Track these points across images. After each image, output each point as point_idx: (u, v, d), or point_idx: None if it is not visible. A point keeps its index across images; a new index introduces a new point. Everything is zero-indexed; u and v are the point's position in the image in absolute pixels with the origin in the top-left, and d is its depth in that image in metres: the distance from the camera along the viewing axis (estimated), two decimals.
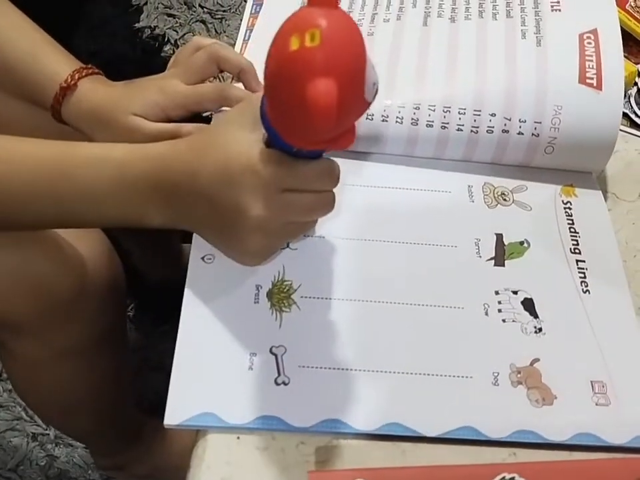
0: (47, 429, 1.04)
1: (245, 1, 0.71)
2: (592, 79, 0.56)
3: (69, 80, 0.56)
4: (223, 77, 0.66)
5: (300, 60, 0.34)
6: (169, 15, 1.52)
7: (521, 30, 0.61)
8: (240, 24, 0.69)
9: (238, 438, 0.44)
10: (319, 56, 0.34)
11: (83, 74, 0.57)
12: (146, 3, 1.53)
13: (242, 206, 0.43)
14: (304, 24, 0.35)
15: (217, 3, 1.54)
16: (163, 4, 1.54)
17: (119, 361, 0.78)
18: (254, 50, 0.64)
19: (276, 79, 0.37)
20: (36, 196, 0.47)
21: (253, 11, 0.70)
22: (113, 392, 0.79)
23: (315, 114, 0.34)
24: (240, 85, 0.58)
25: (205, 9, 1.53)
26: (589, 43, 0.59)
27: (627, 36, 0.69)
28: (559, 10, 0.62)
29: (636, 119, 0.66)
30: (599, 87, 0.56)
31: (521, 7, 0.63)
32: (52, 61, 0.57)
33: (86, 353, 0.69)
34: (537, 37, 0.60)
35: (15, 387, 0.78)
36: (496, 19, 0.62)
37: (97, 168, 0.46)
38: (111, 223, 0.50)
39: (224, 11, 1.52)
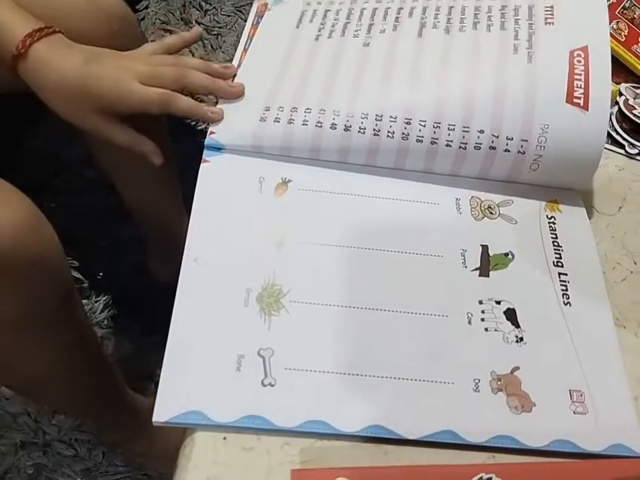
0: (35, 437, 1.05)
1: (242, 19, 0.73)
2: (579, 98, 0.57)
3: (20, 47, 0.57)
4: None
5: None
6: (166, 31, 1.55)
7: (514, 44, 0.61)
8: (236, 40, 0.72)
9: (224, 438, 0.45)
10: None
11: (35, 38, 0.58)
12: (143, 19, 1.56)
13: None
14: None
15: (214, 19, 1.56)
16: (160, 19, 1.56)
17: (76, 336, 0.75)
18: (251, 59, 0.67)
19: None
20: None
21: (254, 22, 0.72)
22: (83, 363, 0.78)
23: None
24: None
25: (202, 25, 1.56)
26: (579, 61, 0.59)
27: None
28: (552, 23, 0.62)
29: (616, 137, 0.68)
30: (585, 107, 0.57)
31: (515, 19, 0.64)
32: (6, 23, 0.58)
33: (32, 326, 0.66)
34: (528, 52, 0.60)
35: None
36: (489, 31, 0.63)
37: None
38: None
39: (220, 28, 1.54)
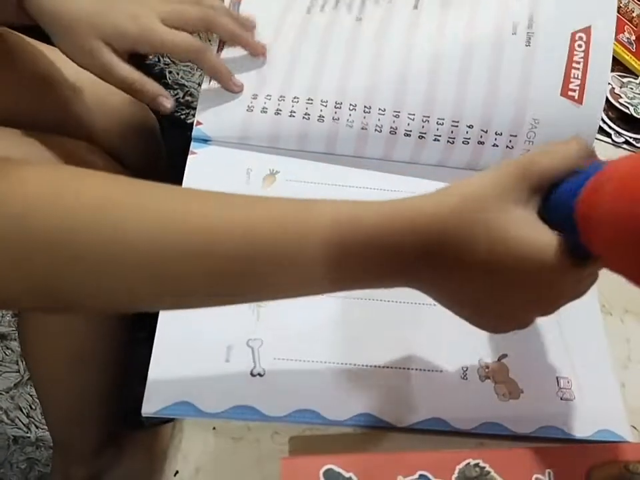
0: (27, 432, 1.05)
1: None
2: (574, 90, 0.57)
3: None
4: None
5: None
6: None
7: (513, 22, 0.58)
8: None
9: (214, 428, 0.45)
10: None
11: None
12: None
13: (527, 295, 0.38)
14: None
15: None
16: None
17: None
18: (231, 49, 0.64)
19: None
20: (229, 274, 0.37)
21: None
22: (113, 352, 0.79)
23: None
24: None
25: None
26: (580, 46, 0.57)
27: None
28: None
29: (603, 125, 0.68)
30: (579, 100, 0.57)
31: None
32: None
33: None
34: (527, 33, 0.57)
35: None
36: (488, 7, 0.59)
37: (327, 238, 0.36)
38: (329, 291, 0.40)
39: None
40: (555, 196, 0.36)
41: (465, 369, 0.49)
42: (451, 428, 0.46)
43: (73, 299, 0.36)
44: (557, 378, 0.49)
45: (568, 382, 0.49)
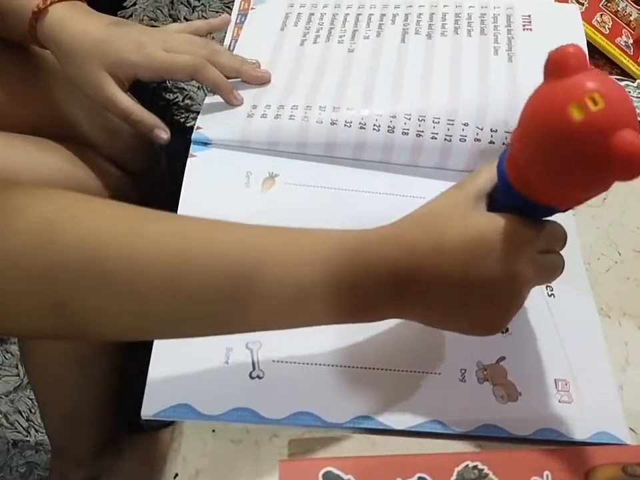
0: (27, 436, 1.04)
1: (230, 14, 0.73)
2: None
3: (41, 4, 0.57)
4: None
5: (593, 124, 0.34)
6: (154, 27, 1.54)
7: (494, 47, 0.64)
8: (224, 37, 0.71)
9: (213, 431, 0.45)
10: (610, 115, 0.34)
11: None
12: (131, 15, 1.55)
13: (510, 276, 0.40)
14: (577, 93, 0.35)
15: (202, 16, 1.55)
16: (148, 16, 1.55)
17: None
18: None
19: (562, 152, 0.36)
20: (217, 301, 0.38)
21: (238, 21, 0.72)
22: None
23: (632, 161, 0.33)
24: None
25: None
26: None
27: (593, 49, 0.72)
28: (530, 29, 0.65)
29: None
30: None
31: (494, 25, 0.66)
32: None
33: None
34: (508, 53, 0.63)
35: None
36: (470, 36, 0.66)
37: (318, 266, 0.39)
38: (316, 324, 0.41)
39: None
40: (496, 189, 0.42)
41: (463, 372, 0.49)
42: (449, 430, 0.46)
43: (85, 322, 0.36)
44: (555, 380, 0.49)
45: (566, 384, 0.49)
